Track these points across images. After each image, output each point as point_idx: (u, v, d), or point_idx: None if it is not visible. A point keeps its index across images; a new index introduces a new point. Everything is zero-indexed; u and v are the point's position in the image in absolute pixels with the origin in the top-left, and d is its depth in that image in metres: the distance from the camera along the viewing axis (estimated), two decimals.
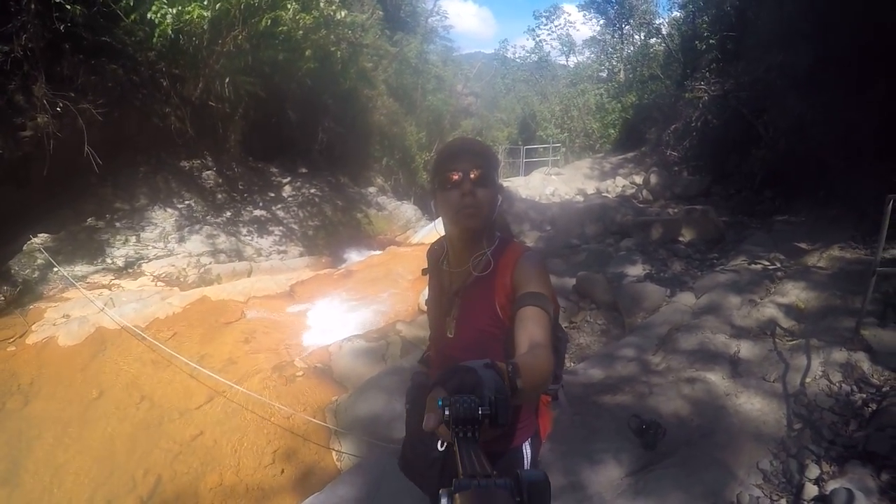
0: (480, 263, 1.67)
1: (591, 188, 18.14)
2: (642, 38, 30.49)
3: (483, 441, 0.91)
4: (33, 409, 4.74)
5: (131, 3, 7.74)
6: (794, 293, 6.02)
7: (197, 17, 7.88)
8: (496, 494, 0.71)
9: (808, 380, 4.41)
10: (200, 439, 4.48)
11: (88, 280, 7.19)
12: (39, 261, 7.06)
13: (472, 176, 1.57)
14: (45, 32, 7.10)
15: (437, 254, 1.87)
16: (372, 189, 14.42)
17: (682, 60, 20.89)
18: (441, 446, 1.79)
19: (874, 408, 3.94)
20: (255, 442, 4.48)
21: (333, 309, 7.41)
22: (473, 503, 0.70)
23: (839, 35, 9.59)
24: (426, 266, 1.98)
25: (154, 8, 7.61)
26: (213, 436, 4.52)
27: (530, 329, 1.41)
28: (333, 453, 4.47)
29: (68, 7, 7.11)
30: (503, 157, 26.77)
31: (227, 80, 9.29)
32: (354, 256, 11.00)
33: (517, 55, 43.77)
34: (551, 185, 19.02)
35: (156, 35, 7.96)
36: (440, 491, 0.78)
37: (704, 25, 18.29)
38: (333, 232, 11.35)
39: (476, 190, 1.57)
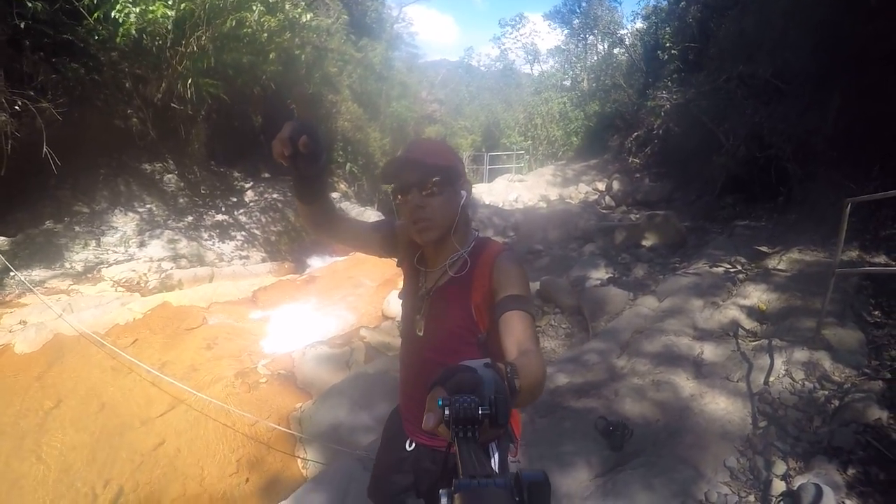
0: (456, 264, 1.66)
1: (554, 195, 18.34)
2: (606, 48, 31.11)
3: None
4: None
5: (94, 1, 7.57)
6: (756, 295, 6.14)
7: (161, 17, 7.75)
8: (496, 494, 0.71)
9: (771, 379, 4.49)
10: (162, 448, 4.35)
11: (46, 285, 6.96)
12: None
13: (421, 186, 1.55)
14: (4, 28, 6.91)
15: (414, 246, 1.82)
16: (335, 195, 14.31)
17: (645, 70, 21.31)
18: (409, 446, 1.80)
19: (837, 404, 4.03)
20: (219, 450, 4.38)
21: (296, 315, 7.32)
22: (473, 503, 0.70)
23: (797, 48, 9.88)
24: (399, 237, 1.88)
25: (118, 7, 7.45)
26: (176, 445, 4.40)
27: (518, 333, 1.39)
28: (299, 461, 4.40)
29: (29, 3, 6.94)
30: (467, 163, 26.83)
31: (189, 81, 9.13)
32: (317, 262, 10.91)
33: (482, 63, 44.28)
34: (515, 191, 19.21)
35: (119, 34, 7.78)
36: (440, 491, 0.79)
37: (667, 36, 18.66)
38: (296, 237, 11.23)
39: (427, 200, 1.56)
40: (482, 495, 0.70)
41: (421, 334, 1.72)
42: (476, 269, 1.62)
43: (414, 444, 1.81)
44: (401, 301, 1.90)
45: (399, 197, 1.60)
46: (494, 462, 1.69)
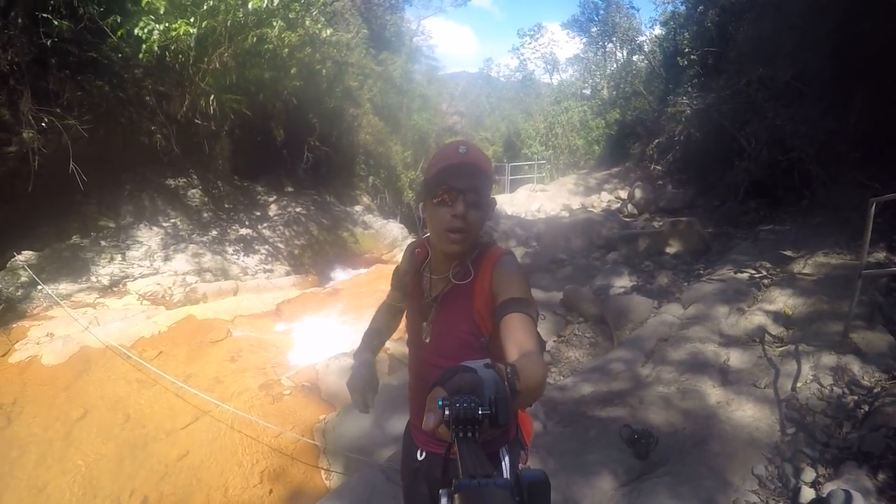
0: (460, 272, 1.67)
1: (576, 204, 18.27)
2: (625, 55, 30.98)
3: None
4: (16, 429, 4.63)
5: (118, 20, 7.69)
6: (782, 300, 6.05)
7: (183, 34, 7.85)
8: (496, 494, 0.70)
9: (799, 384, 4.42)
10: (187, 459, 4.39)
11: (73, 298, 7.07)
12: (23, 278, 6.94)
13: (467, 196, 1.53)
14: (31, 47, 7.03)
15: (420, 257, 1.84)
16: (358, 207, 14.40)
17: (665, 76, 21.16)
18: (420, 456, 1.79)
19: (866, 409, 3.95)
20: (243, 462, 4.40)
21: (320, 327, 7.35)
22: (473, 503, 0.70)
23: (816, 50, 9.77)
24: (401, 264, 1.97)
25: (141, 24, 7.57)
26: (200, 456, 4.43)
27: (519, 336, 1.38)
28: (322, 472, 4.41)
29: (55, 22, 7.07)
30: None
31: (212, 97, 9.26)
32: (341, 275, 10.96)
33: (501, 74, 44.40)
34: (537, 201, 19.18)
35: (142, 51, 7.90)
36: (440, 491, 0.78)
37: (686, 42, 18.56)
38: (320, 251, 11.30)
39: (468, 212, 1.54)
40: (482, 495, 0.70)
41: (428, 341, 1.73)
42: (478, 275, 1.62)
43: (424, 454, 1.80)
44: (406, 310, 1.93)
45: (439, 198, 1.56)
46: (505, 468, 1.68)
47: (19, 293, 6.82)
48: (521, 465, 1.73)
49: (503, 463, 1.68)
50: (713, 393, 4.53)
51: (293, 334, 7.02)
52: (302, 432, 4.73)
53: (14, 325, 6.37)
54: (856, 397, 4.14)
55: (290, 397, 5.27)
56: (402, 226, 14.25)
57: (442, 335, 1.69)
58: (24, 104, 6.91)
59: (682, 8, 20.85)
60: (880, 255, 6.48)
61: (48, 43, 7.14)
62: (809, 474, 3.41)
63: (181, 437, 4.64)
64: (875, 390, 4.18)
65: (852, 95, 8.93)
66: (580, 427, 4.15)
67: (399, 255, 11.70)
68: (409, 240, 12.71)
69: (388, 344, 6.23)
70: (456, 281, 1.67)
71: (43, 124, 7.04)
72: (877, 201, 4.66)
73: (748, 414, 4.16)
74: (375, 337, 2.08)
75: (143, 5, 7.54)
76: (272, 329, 7.13)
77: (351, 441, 4.51)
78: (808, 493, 3.24)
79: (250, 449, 4.54)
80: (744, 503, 3.24)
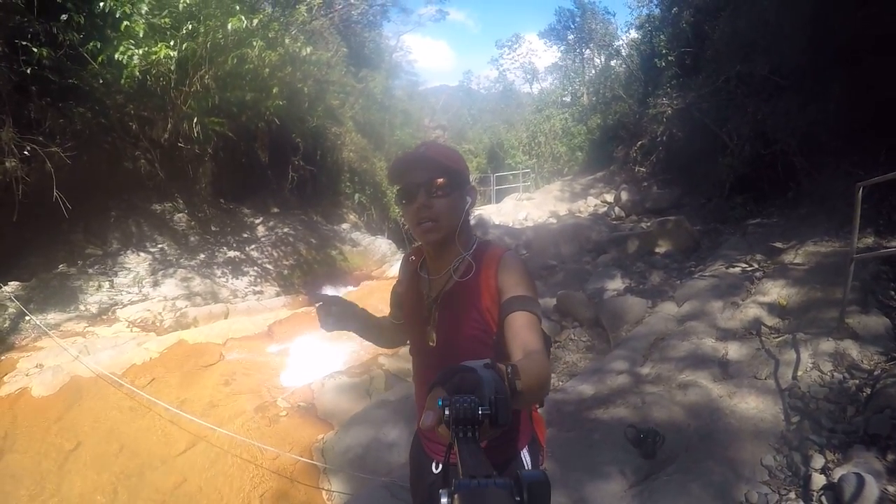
0: (461, 268, 1.63)
1: (563, 210, 18.36)
2: (603, 60, 31.33)
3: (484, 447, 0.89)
4: (8, 463, 4.52)
5: (98, 46, 7.67)
6: (775, 291, 6.06)
7: (164, 58, 7.83)
8: (496, 494, 0.70)
9: (799, 373, 4.42)
10: (184, 487, 4.30)
11: (62, 328, 6.95)
12: (10, 310, 6.81)
13: (429, 187, 1.54)
14: (11, 75, 6.98)
15: (415, 263, 1.82)
16: (345, 225, 14.36)
17: (643, 79, 21.32)
18: (436, 468, 1.74)
19: (869, 392, 3.96)
20: (242, 486, 4.32)
21: (314, 347, 7.28)
22: (473, 503, 0.69)
23: (792, 43, 9.88)
24: (398, 277, 1.94)
25: (121, 49, 7.54)
26: (198, 482, 4.35)
27: (523, 335, 1.38)
28: (323, 492, 4.33)
29: (35, 49, 7.02)
30: (474, 186, 26.92)
31: (195, 120, 9.20)
32: (331, 293, 10.88)
33: (481, 86, 44.83)
34: (523, 209, 19.26)
35: (123, 77, 7.86)
36: (440, 491, 0.78)
37: (662, 43, 18.73)
38: (309, 270, 11.25)
39: (434, 201, 1.54)
40: (482, 495, 0.70)
41: (434, 345, 1.68)
42: (482, 272, 1.59)
43: (440, 466, 1.75)
44: (405, 320, 1.88)
45: (405, 200, 1.58)
46: (527, 468, 1.66)
47: (7, 325, 6.68)
48: (541, 466, 1.73)
49: (525, 464, 1.67)
50: (715, 387, 4.51)
51: (286, 355, 6.94)
52: (301, 453, 4.66)
53: (2, 358, 6.24)
54: (857, 381, 4.15)
55: (287, 418, 5.20)
56: (389, 241, 14.22)
57: (450, 336, 1.64)
58: (6, 133, 6.82)
59: (657, 11, 21.12)
60: (868, 240, 6.53)
61: (28, 71, 7.08)
62: (818, 461, 3.40)
63: (177, 465, 4.55)
64: (875, 373, 4.19)
65: (830, 85, 9.03)
66: (584, 430, 4.12)
67: (389, 271, 11.60)
68: (398, 255, 12.70)
69: (383, 360, 6.24)
70: (458, 278, 1.63)
71: (26, 153, 6.94)
72: (863, 185, 4.68)
73: (752, 406, 4.15)
74: (377, 320, 2.00)
75: (122, 30, 7.51)
76: (265, 350, 7.05)
77: (351, 459, 4.45)
78: (818, 480, 3.22)
79: (249, 473, 4.46)
80: (756, 495, 3.22)
